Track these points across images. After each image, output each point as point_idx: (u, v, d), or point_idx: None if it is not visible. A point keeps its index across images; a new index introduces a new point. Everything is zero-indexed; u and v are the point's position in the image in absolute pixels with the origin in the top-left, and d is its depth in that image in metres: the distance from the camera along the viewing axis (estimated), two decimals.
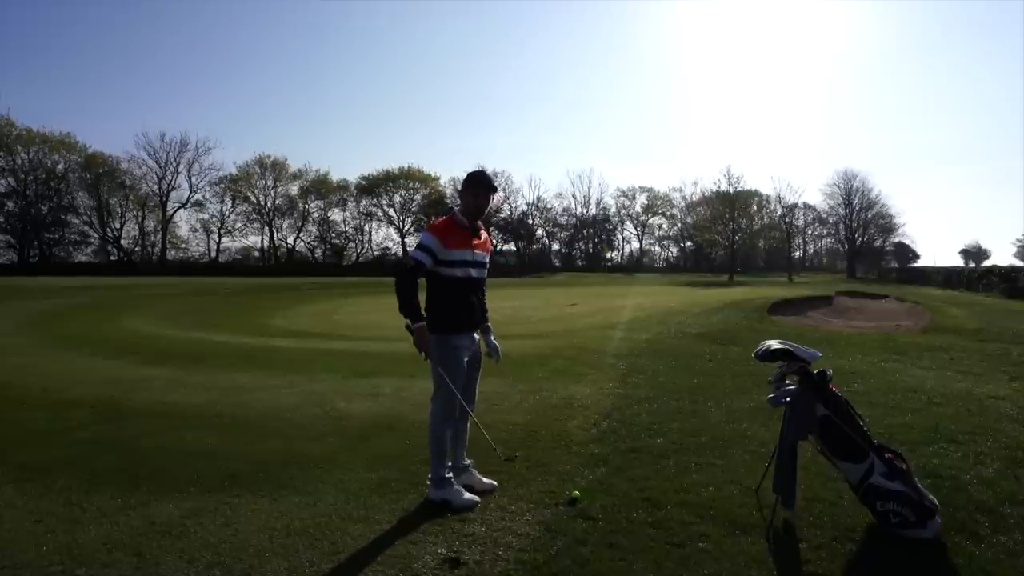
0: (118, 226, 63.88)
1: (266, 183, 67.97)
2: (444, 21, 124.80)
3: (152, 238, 65.96)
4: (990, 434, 4.51)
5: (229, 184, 66.79)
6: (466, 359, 3.47)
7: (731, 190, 65.43)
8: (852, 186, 64.12)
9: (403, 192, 72.41)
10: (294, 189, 69.61)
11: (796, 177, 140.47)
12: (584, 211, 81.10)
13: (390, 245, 74.17)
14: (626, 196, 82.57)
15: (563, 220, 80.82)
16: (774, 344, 3.26)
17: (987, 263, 73.58)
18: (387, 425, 4.93)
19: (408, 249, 57.20)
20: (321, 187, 70.31)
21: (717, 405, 5.50)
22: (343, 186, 71.69)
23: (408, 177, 71.80)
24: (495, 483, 3.58)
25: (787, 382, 3.25)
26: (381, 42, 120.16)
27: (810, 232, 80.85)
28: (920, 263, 69.90)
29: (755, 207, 74.29)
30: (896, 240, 71.20)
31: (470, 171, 3.53)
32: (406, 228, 72.18)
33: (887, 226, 67.02)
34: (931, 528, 2.91)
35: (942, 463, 3.90)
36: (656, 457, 4.07)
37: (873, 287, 30.36)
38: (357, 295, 27.38)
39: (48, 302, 20.24)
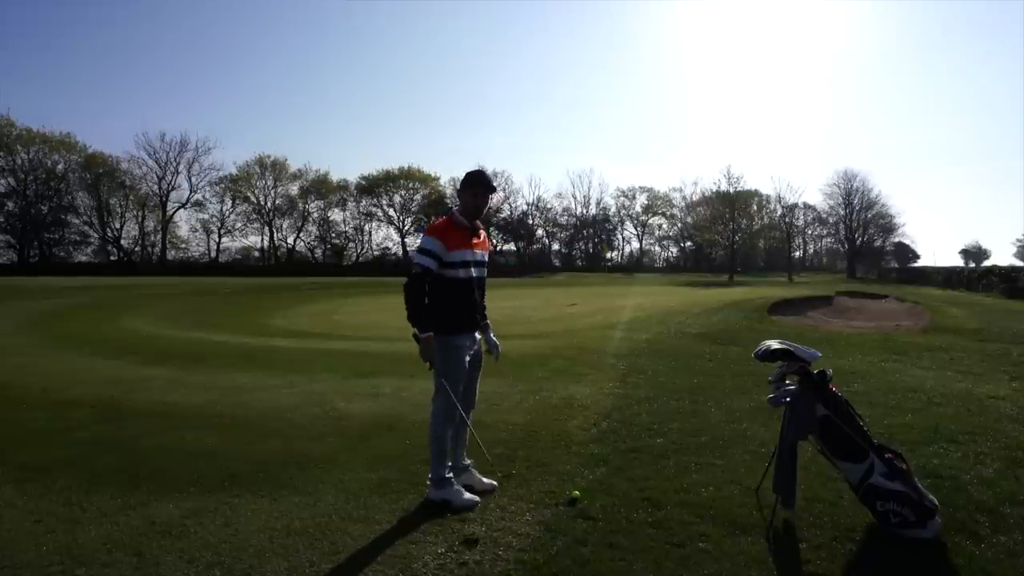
0: (118, 226, 64.04)
1: (266, 183, 68.07)
2: (443, 21, 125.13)
3: (152, 238, 66.10)
4: (990, 434, 4.51)
5: (229, 184, 66.83)
6: (467, 359, 3.47)
7: (731, 190, 65.45)
8: (852, 186, 64.29)
9: (403, 192, 72.46)
10: (294, 189, 69.77)
11: (796, 177, 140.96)
12: (584, 211, 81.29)
13: (390, 245, 74.49)
14: (626, 196, 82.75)
15: (563, 220, 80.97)
16: (774, 344, 3.25)
17: (987, 263, 73.80)
18: (387, 425, 4.93)
19: (409, 252, 57.13)
20: (321, 187, 70.30)
21: (717, 405, 5.50)
22: (343, 186, 71.77)
23: (408, 177, 71.80)
24: (495, 483, 3.59)
25: (787, 382, 3.25)
26: (380, 42, 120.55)
27: (810, 232, 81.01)
28: (920, 263, 70.10)
29: (755, 207, 74.26)
30: (896, 240, 71.35)
31: (469, 171, 3.53)
32: (406, 228, 72.30)
33: (887, 226, 67.07)
34: (931, 528, 2.91)
35: (942, 463, 3.90)
36: (656, 457, 4.07)
37: (873, 287, 30.35)
38: (357, 295, 27.40)
39: (48, 302, 20.23)
